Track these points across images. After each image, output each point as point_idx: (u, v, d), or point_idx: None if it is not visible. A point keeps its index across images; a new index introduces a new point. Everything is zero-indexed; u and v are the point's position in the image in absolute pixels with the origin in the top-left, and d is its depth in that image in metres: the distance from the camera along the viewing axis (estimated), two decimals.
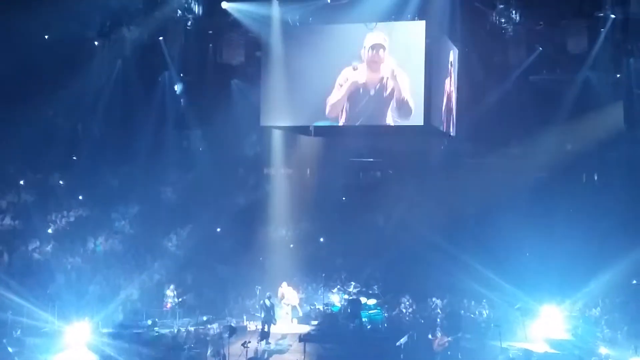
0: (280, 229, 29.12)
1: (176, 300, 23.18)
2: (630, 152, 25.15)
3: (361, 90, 19.42)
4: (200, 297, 24.03)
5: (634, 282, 22.61)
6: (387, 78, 19.25)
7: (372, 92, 19.40)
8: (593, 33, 22.85)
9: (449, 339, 18.85)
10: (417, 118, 19.13)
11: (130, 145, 27.77)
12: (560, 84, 25.57)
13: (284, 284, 23.01)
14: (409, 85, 19.07)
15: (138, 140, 27.53)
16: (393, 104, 19.20)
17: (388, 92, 19.26)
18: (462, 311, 22.23)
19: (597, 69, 23.96)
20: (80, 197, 27.43)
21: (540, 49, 23.73)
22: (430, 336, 18.93)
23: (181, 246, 27.33)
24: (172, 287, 23.60)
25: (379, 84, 19.31)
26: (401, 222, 27.34)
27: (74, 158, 27.64)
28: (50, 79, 23.67)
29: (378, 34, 19.16)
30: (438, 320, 20.93)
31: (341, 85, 19.52)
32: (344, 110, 19.57)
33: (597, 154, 26.22)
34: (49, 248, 24.09)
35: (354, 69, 19.35)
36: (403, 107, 19.10)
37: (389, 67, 19.23)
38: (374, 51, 19.22)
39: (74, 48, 24.16)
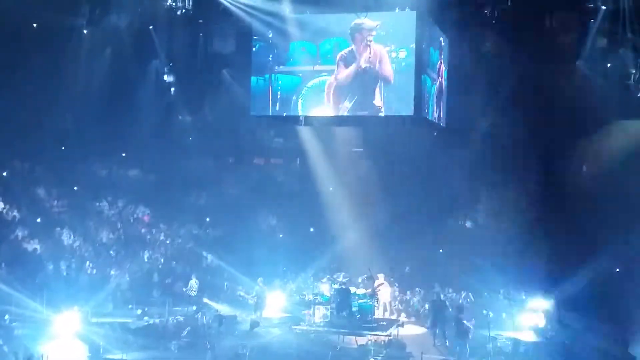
0: (270, 219, 29.12)
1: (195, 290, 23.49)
2: (620, 142, 25.29)
3: (349, 80, 19.37)
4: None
5: (617, 270, 22.69)
6: (376, 65, 19.20)
7: (360, 81, 19.34)
8: (584, 24, 22.88)
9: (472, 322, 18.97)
10: (407, 108, 19.13)
11: (119, 135, 27.67)
12: (550, 74, 25.60)
13: (381, 275, 22.73)
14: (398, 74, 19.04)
15: (127, 129, 27.43)
16: (381, 91, 19.16)
17: (376, 80, 19.23)
18: (448, 301, 22.33)
19: (588, 59, 24.00)
20: (76, 188, 27.31)
21: (532, 39, 23.71)
22: (465, 321, 18.92)
23: (170, 235, 27.34)
24: (193, 277, 23.90)
25: (367, 72, 19.26)
26: (391, 212, 27.42)
27: (63, 148, 27.49)
28: (38, 68, 23.47)
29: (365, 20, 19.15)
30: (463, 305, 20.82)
31: (330, 74, 19.48)
32: (333, 99, 19.52)
33: (586, 144, 26.33)
34: (37, 237, 24.00)
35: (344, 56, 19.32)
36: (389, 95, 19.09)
37: (377, 54, 19.21)
38: (362, 35, 19.21)
39: (63, 36, 23.95)
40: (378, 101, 19.11)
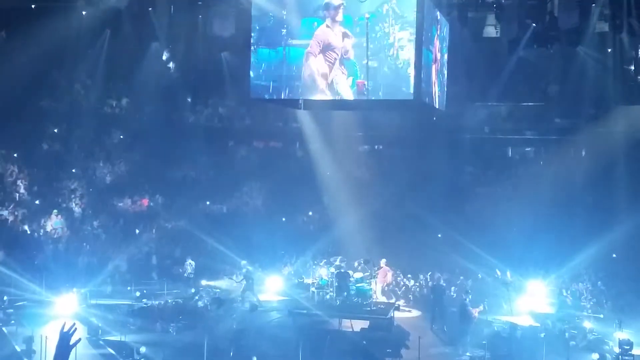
0: (270, 202, 29.13)
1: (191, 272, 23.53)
2: (619, 128, 25.28)
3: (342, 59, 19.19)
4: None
5: (614, 255, 22.73)
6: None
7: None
8: (584, 8, 22.77)
9: (480, 308, 18.90)
10: (407, 92, 18.98)
11: (118, 117, 27.62)
12: (551, 59, 25.54)
13: (383, 260, 22.23)
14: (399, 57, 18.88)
15: (126, 111, 27.38)
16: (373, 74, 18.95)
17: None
18: (446, 284, 22.38)
19: (588, 44, 23.92)
20: (74, 170, 27.27)
21: (534, 25, 23.61)
22: (470, 307, 18.84)
23: (170, 219, 27.36)
24: (189, 258, 23.92)
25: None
26: (390, 197, 27.43)
27: (55, 130, 27.44)
28: (36, 49, 23.36)
29: None
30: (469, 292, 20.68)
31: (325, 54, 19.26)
32: (329, 81, 19.35)
33: (585, 129, 26.32)
34: (36, 219, 24.02)
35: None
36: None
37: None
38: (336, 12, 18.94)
39: (62, 17, 23.82)
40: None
